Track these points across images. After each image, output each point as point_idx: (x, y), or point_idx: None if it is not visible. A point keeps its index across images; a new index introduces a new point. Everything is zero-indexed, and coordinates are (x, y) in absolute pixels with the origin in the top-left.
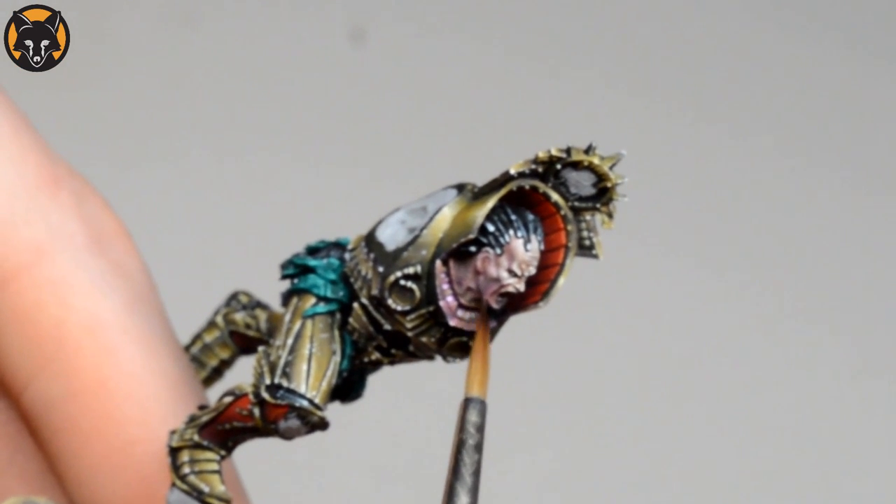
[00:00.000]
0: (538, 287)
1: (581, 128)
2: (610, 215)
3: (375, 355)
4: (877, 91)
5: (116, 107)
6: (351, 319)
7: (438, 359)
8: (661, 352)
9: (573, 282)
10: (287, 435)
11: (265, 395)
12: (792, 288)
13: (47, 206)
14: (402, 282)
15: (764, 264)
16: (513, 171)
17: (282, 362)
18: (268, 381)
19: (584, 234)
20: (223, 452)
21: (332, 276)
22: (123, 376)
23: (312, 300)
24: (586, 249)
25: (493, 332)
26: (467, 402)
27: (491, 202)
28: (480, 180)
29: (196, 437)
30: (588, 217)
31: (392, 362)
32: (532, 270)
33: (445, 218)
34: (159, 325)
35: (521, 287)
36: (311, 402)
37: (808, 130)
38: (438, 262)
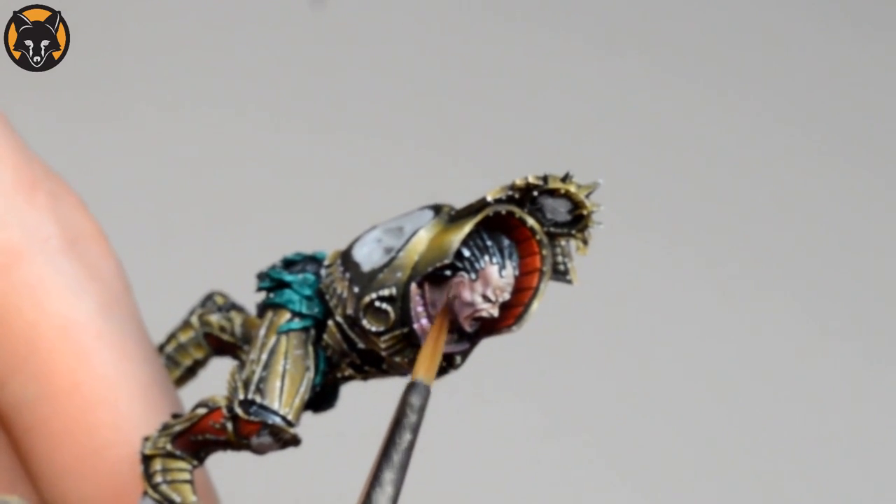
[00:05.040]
0: (512, 310)
1: (556, 87)
2: (585, 241)
3: (348, 371)
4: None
5: (74, 68)
6: (325, 336)
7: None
8: (641, 327)
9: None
10: (259, 450)
11: (238, 411)
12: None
13: (24, 209)
14: (378, 303)
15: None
16: (489, 198)
17: (256, 378)
18: (241, 397)
19: (559, 258)
20: (195, 462)
21: (308, 291)
22: (96, 380)
23: (287, 315)
24: (560, 274)
25: (464, 355)
26: (411, 386)
27: (467, 228)
28: (443, 143)
29: (169, 447)
30: (563, 242)
31: (365, 378)
32: (506, 296)
33: (422, 240)
34: (133, 328)
35: (495, 312)
36: (283, 418)
37: (806, 113)
38: (413, 285)
